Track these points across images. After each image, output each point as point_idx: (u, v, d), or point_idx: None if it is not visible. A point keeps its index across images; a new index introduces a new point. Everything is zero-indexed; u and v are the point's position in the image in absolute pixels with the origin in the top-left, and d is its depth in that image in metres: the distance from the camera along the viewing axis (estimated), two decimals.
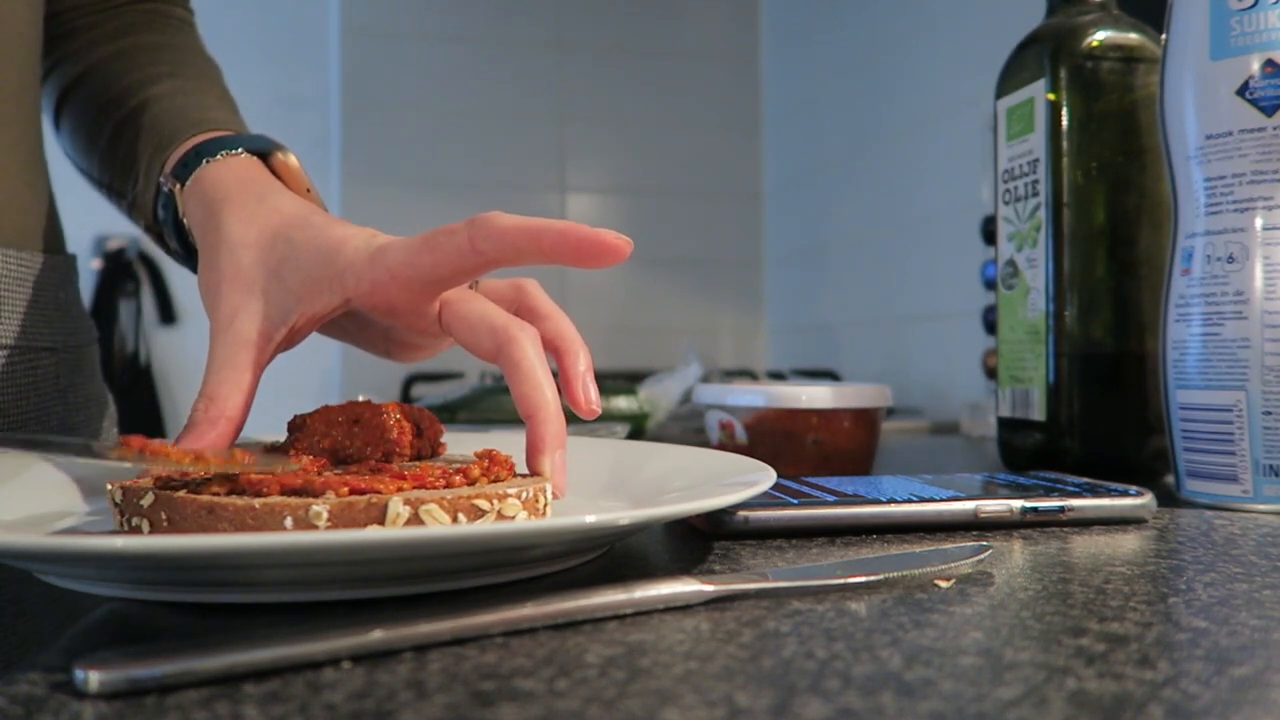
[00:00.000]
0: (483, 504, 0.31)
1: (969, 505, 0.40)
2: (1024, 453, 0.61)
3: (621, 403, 0.92)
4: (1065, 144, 0.58)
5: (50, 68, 0.60)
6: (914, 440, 0.96)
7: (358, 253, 0.37)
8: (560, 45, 2.01)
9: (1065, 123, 0.58)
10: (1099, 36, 0.58)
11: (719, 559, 0.35)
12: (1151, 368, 0.57)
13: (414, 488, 0.32)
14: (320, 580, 0.27)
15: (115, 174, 0.54)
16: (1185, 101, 0.48)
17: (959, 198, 1.36)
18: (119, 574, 0.28)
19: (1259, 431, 0.45)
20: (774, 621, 0.26)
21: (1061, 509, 0.41)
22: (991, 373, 1.10)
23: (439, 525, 0.29)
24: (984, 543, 0.36)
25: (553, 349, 0.40)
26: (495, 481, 0.34)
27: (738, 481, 0.36)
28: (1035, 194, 0.59)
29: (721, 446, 0.60)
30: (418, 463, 0.39)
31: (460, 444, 0.47)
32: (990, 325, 1.11)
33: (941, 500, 0.40)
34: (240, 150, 0.45)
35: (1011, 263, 0.62)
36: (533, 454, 0.36)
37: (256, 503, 0.29)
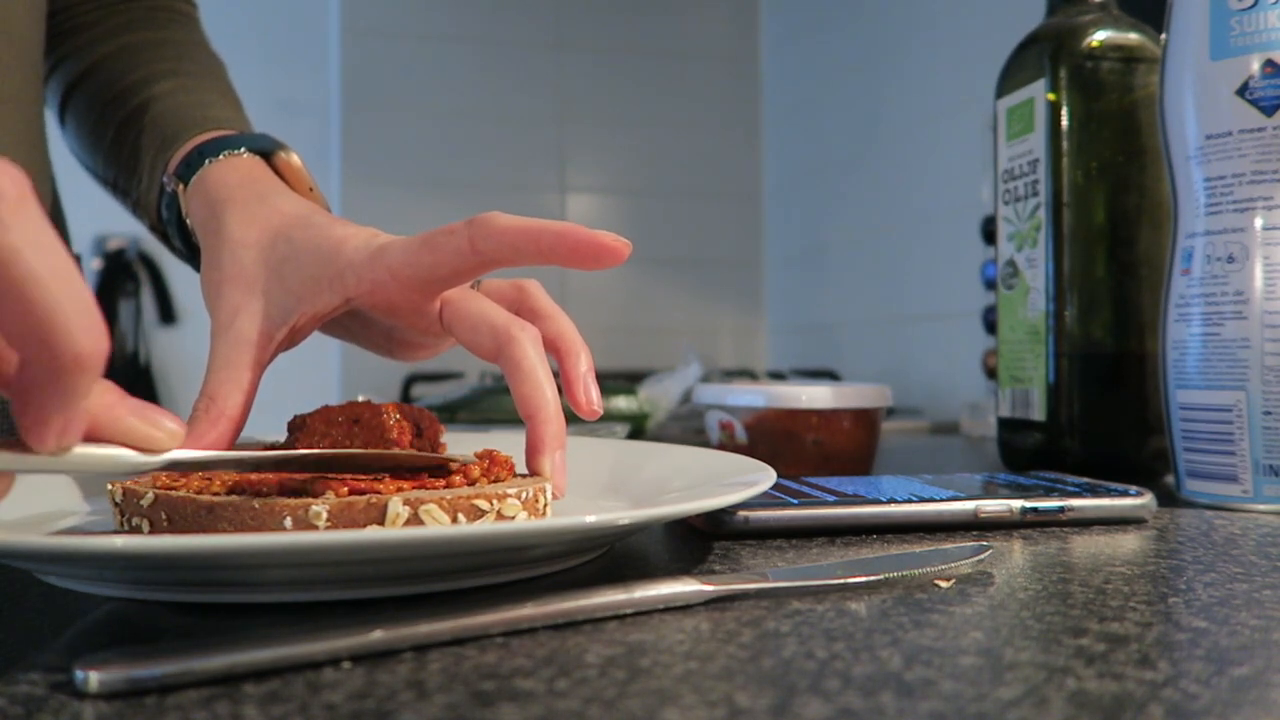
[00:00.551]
0: (482, 504, 0.31)
1: (969, 505, 0.40)
2: (1024, 453, 0.61)
3: (621, 403, 0.92)
4: (1065, 144, 0.58)
5: (54, 65, 0.60)
6: (914, 440, 0.96)
7: (358, 252, 0.38)
8: (560, 45, 2.01)
9: (1065, 123, 0.58)
10: (1099, 36, 0.58)
11: (719, 559, 0.35)
12: (1151, 368, 0.57)
13: (414, 488, 0.32)
14: (320, 580, 0.27)
15: (119, 172, 0.54)
16: (1185, 101, 0.48)
17: (959, 198, 1.36)
18: (119, 574, 0.28)
19: (1259, 431, 0.45)
20: (774, 621, 0.26)
21: (1061, 509, 0.41)
22: (991, 373, 1.10)
23: (439, 525, 0.29)
24: (984, 543, 0.36)
25: (554, 350, 0.40)
26: (495, 482, 0.34)
27: (738, 481, 0.36)
28: (1035, 194, 0.59)
29: (721, 446, 0.60)
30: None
31: (460, 444, 0.47)
32: (990, 325, 1.11)
33: (941, 500, 0.40)
34: (243, 150, 0.45)
35: (1011, 263, 0.62)
36: (532, 454, 0.36)
37: (256, 503, 0.29)
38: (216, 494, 0.31)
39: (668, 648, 0.24)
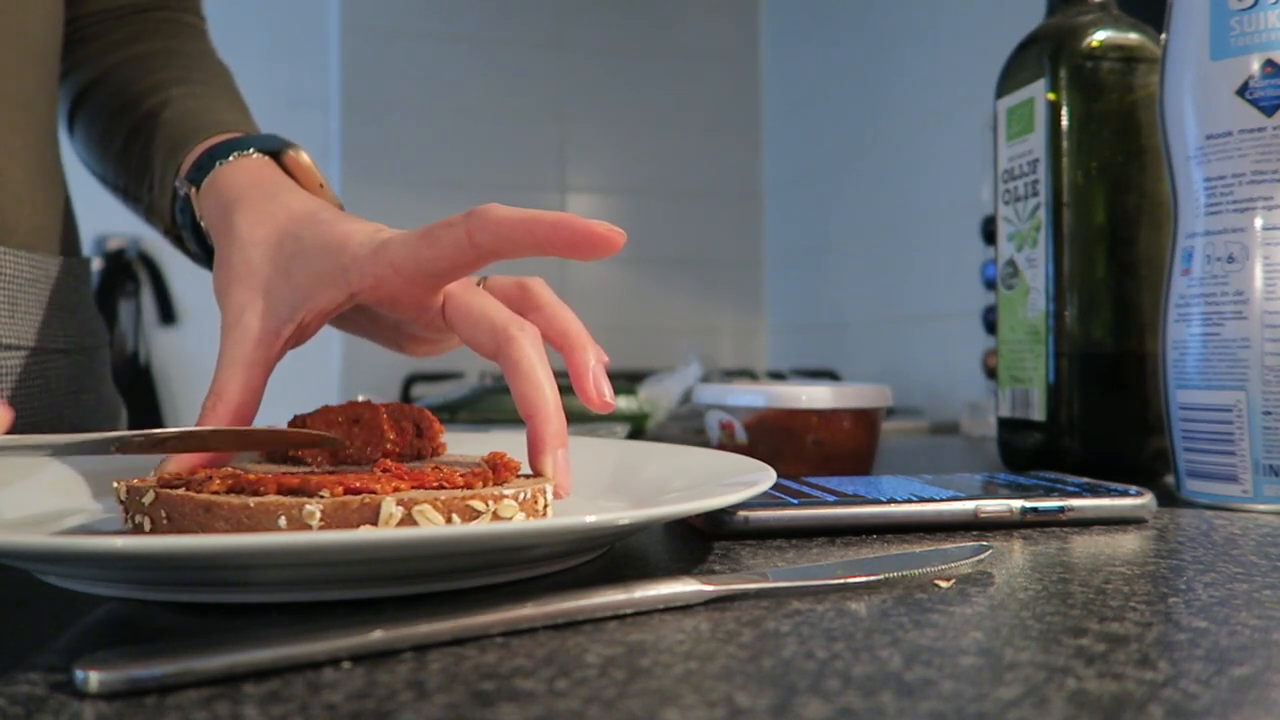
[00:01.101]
0: (478, 505, 0.31)
1: (969, 505, 0.40)
2: (1024, 453, 0.61)
3: (621, 403, 0.92)
4: (1065, 144, 0.58)
5: (63, 73, 0.61)
6: (914, 440, 0.96)
7: (361, 248, 0.38)
8: (560, 45, 2.01)
9: (1065, 123, 0.58)
10: (1099, 36, 0.58)
11: (719, 559, 0.35)
12: (1151, 368, 0.57)
13: (412, 488, 0.31)
14: (320, 580, 0.27)
15: (130, 179, 0.54)
16: (1185, 101, 0.48)
17: (959, 198, 1.36)
18: (119, 574, 0.28)
19: (1259, 431, 0.45)
20: (774, 621, 0.26)
21: (1061, 509, 0.41)
22: (991, 373, 1.10)
23: (433, 526, 0.29)
24: (984, 543, 0.36)
25: (561, 346, 0.40)
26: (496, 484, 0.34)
27: (738, 481, 0.36)
28: (1035, 194, 0.59)
29: (721, 446, 0.60)
30: (420, 462, 0.39)
31: (460, 444, 0.47)
32: (990, 325, 1.11)
33: (941, 500, 0.40)
34: (252, 150, 0.46)
35: (1011, 263, 0.62)
36: (534, 453, 0.36)
37: (251, 501, 0.29)
38: (216, 492, 0.31)
39: (668, 648, 0.24)
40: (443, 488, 0.32)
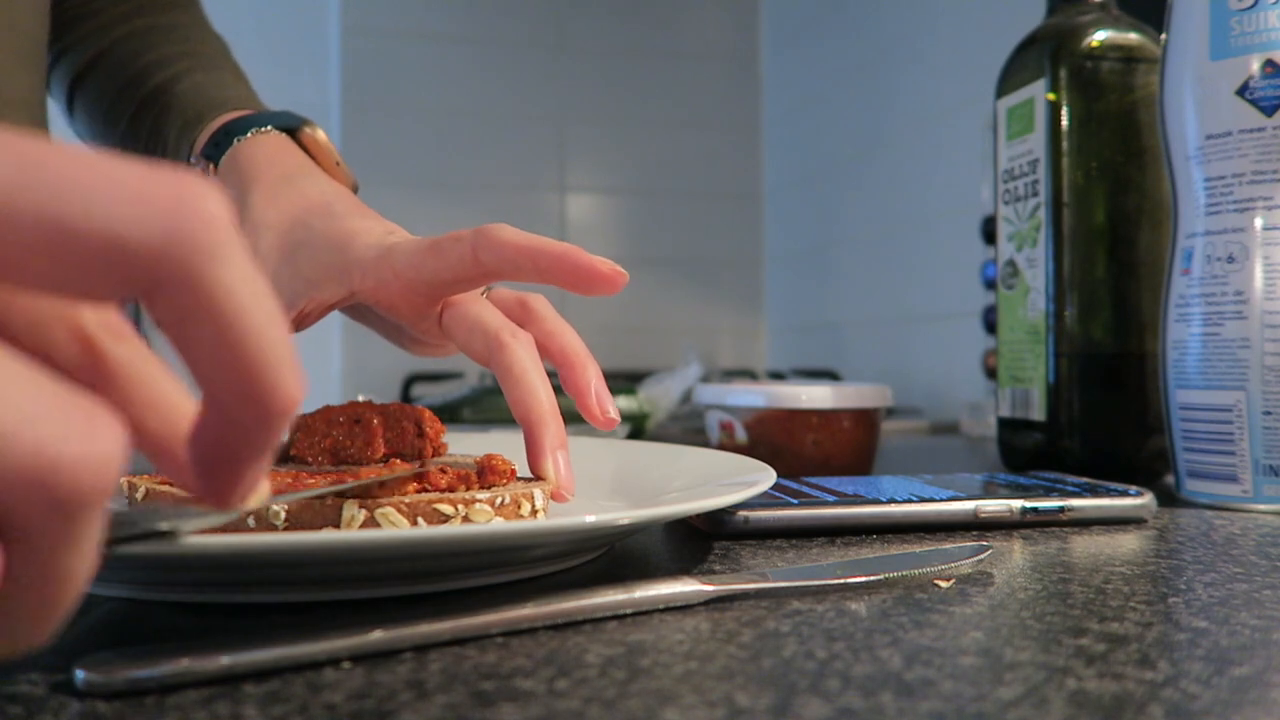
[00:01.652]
0: (446, 509, 0.30)
1: (969, 505, 0.40)
2: (1024, 453, 0.61)
3: (621, 403, 0.92)
4: (1065, 144, 0.58)
5: (59, 53, 0.60)
6: (914, 440, 0.96)
7: (368, 249, 0.38)
8: (560, 45, 2.01)
9: (1065, 123, 0.58)
10: (1099, 36, 0.58)
11: (719, 559, 0.35)
12: (1151, 368, 0.57)
13: (418, 489, 0.31)
14: (320, 580, 0.27)
15: (139, 154, 0.54)
16: (1185, 101, 0.48)
17: (959, 198, 1.36)
18: (119, 574, 0.28)
19: (1259, 431, 0.45)
20: (774, 621, 0.26)
21: (1061, 509, 0.41)
22: (991, 373, 1.10)
23: (395, 529, 0.28)
24: (984, 543, 0.36)
25: (561, 363, 0.39)
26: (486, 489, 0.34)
27: (738, 481, 0.35)
28: (1035, 194, 0.59)
29: (721, 446, 0.60)
30: (422, 462, 0.39)
31: (460, 444, 0.47)
32: (990, 325, 1.11)
33: (941, 500, 0.40)
34: (269, 128, 0.46)
35: (1011, 263, 0.62)
36: (534, 458, 0.36)
37: None
38: None
39: (668, 648, 0.24)
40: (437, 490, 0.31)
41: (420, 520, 0.29)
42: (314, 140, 0.47)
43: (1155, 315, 0.57)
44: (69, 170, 0.16)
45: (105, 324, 0.21)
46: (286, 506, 0.29)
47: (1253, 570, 0.32)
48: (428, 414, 0.42)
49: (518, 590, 0.29)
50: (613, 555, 0.35)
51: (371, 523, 0.29)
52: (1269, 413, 0.45)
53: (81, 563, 0.17)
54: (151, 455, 0.21)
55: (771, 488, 0.43)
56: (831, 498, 0.41)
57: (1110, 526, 0.41)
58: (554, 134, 2.00)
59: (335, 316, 0.43)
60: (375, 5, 1.92)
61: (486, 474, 0.34)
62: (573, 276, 0.36)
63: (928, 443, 0.92)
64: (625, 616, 0.26)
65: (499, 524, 0.27)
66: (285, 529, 0.28)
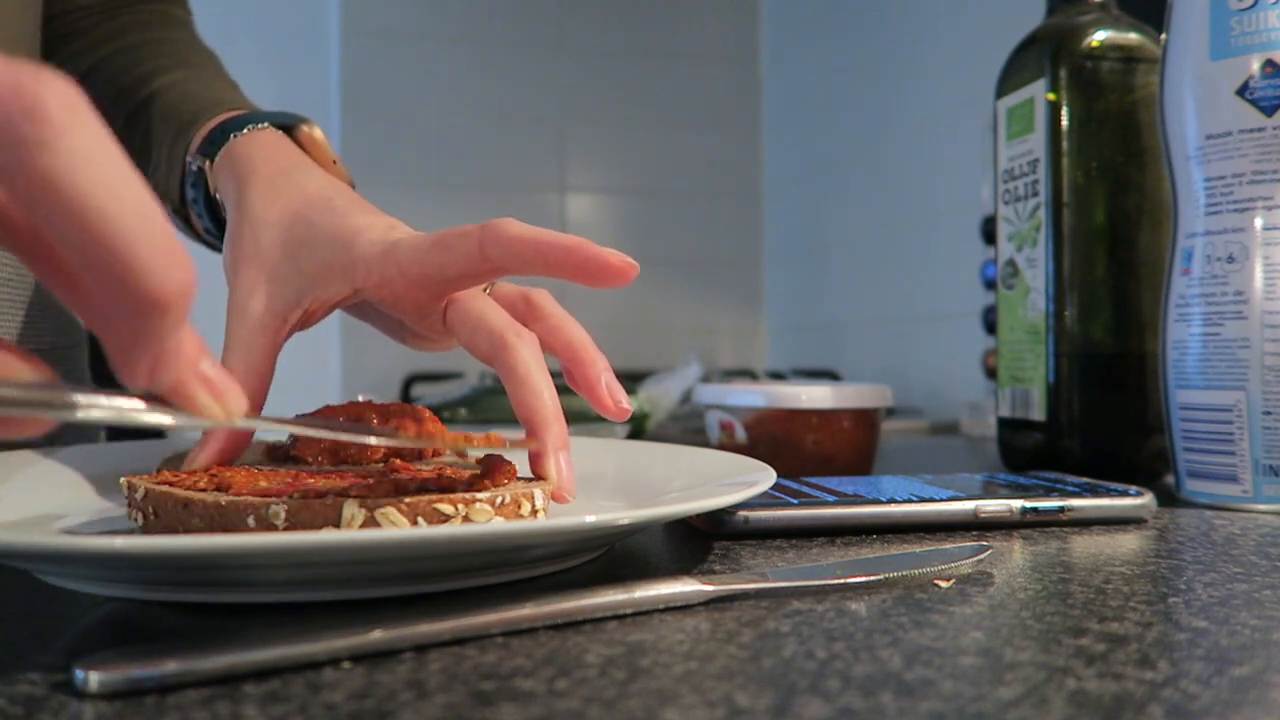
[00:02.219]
0: (446, 509, 0.30)
1: (969, 505, 0.40)
2: (1024, 453, 0.61)
3: None
4: (1065, 144, 0.58)
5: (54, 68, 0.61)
6: (914, 440, 0.96)
7: (372, 246, 0.38)
8: (560, 46, 2.01)
9: (1065, 123, 0.58)
10: (1099, 36, 0.58)
11: (719, 559, 0.35)
12: (1151, 368, 0.57)
13: (419, 489, 0.31)
14: (320, 580, 0.27)
15: (130, 160, 0.54)
16: (1185, 101, 0.48)
17: (959, 198, 1.36)
18: (119, 574, 0.28)
19: (1259, 431, 0.45)
20: (774, 621, 0.26)
21: (1061, 509, 0.41)
22: (991, 373, 1.10)
23: (395, 529, 0.28)
24: (984, 543, 0.36)
25: (568, 358, 0.39)
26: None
27: (738, 481, 0.35)
28: (1035, 194, 0.59)
29: (721, 446, 0.60)
30: (422, 462, 0.39)
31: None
32: (990, 325, 1.11)
33: (941, 500, 0.40)
34: (266, 125, 0.45)
35: (1011, 263, 0.62)
36: (535, 459, 0.36)
37: (223, 499, 0.29)
38: (203, 489, 0.31)
39: (668, 648, 0.24)
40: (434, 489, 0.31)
41: (420, 520, 0.29)
42: (310, 138, 0.46)
43: (1155, 315, 0.57)
44: None
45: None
46: (287, 507, 0.29)
47: (1253, 570, 0.32)
48: (428, 414, 0.42)
49: (518, 590, 0.29)
50: (613, 555, 0.35)
51: (371, 523, 0.29)
52: (1269, 413, 0.45)
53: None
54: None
55: (771, 488, 0.43)
56: (831, 498, 0.41)
57: (1110, 526, 0.41)
58: (554, 134, 2.00)
59: (335, 316, 0.43)
60: (375, 5, 1.92)
61: (495, 474, 0.33)
62: (583, 270, 0.35)
63: (928, 443, 0.92)
64: (625, 616, 0.26)
65: (499, 524, 0.27)
66: (285, 529, 0.28)
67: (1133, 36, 0.58)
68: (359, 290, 0.38)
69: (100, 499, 0.40)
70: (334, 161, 0.47)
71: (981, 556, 0.31)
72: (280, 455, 0.40)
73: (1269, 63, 0.45)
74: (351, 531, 0.27)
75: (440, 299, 0.39)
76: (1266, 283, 0.45)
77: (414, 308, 0.39)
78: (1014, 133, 0.62)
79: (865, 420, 0.58)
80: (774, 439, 0.58)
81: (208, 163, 0.45)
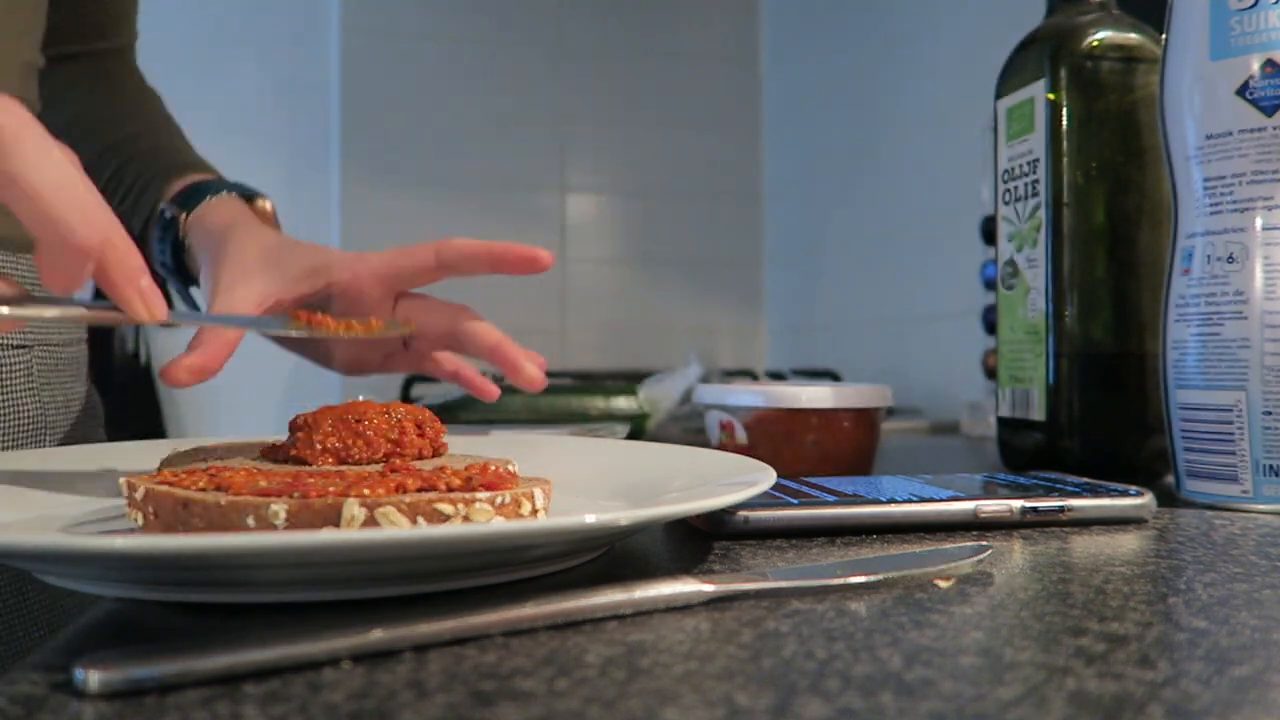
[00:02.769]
0: (446, 508, 0.30)
1: (969, 505, 0.40)
2: (1024, 453, 0.61)
3: (621, 403, 0.92)
4: (1065, 144, 0.58)
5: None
6: (914, 440, 0.96)
7: (344, 254, 0.49)
8: (560, 46, 2.01)
9: (1065, 123, 0.58)
10: (1099, 36, 0.58)
11: (719, 559, 0.35)
12: (1151, 368, 0.57)
13: (419, 489, 0.31)
14: (320, 580, 0.27)
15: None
16: (1185, 101, 0.48)
17: (959, 198, 1.36)
18: (119, 574, 0.28)
19: (1259, 431, 0.45)
20: (774, 621, 0.26)
21: (1061, 509, 0.41)
22: (991, 373, 1.10)
23: (395, 529, 0.28)
24: (984, 543, 0.36)
25: (489, 346, 0.49)
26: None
27: (738, 481, 0.35)
28: (1035, 194, 0.59)
29: (721, 446, 0.60)
30: (423, 462, 0.39)
31: (460, 444, 0.47)
32: (990, 325, 1.11)
33: (941, 500, 0.40)
34: (233, 193, 0.57)
35: (1011, 263, 0.62)
36: (513, 371, 0.47)
37: (223, 499, 0.29)
38: (203, 489, 0.31)
39: (668, 648, 0.24)
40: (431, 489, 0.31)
41: (420, 520, 0.29)
42: (264, 210, 0.58)
43: (1155, 315, 0.57)
44: None
45: None
46: (287, 507, 0.29)
47: (1253, 570, 0.32)
48: (428, 414, 0.42)
49: (518, 590, 0.29)
50: (613, 555, 0.35)
51: (371, 522, 0.29)
52: (1269, 413, 0.45)
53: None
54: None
55: (771, 488, 0.43)
56: (831, 498, 0.41)
57: (1110, 526, 0.41)
58: (554, 134, 2.00)
59: None
60: (375, 5, 1.92)
61: (494, 485, 0.33)
62: (510, 262, 0.47)
63: (928, 443, 0.92)
64: (625, 616, 0.26)
65: (499, 524, 0.27)
66: (285, 529, 0.28)
67: (1133, 36, 0.58)
68: (331, 285, 0.48)
69: (100, 499, 0.40)
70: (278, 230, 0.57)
71: (981, 556, 0.31)
72: (280, 455, 0.40)
73: (1269, 63, 0.45)
74: (351, 531, 0.27)
75: (393, 296, 0.49)
76: (1266, 283, 0.45)
77: (371, 303, 0.49)
78: (1014, 133, 0.62)
79: (865, 420, 0.58)
80: (774, 439, 0.58)
81: (184, 214, 0.56)
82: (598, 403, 0.91)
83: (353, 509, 0.28)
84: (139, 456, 0.44)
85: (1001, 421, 0.64)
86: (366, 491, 0.30)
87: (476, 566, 0.29)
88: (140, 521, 0.32)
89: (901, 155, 1.56)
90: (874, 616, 0.26)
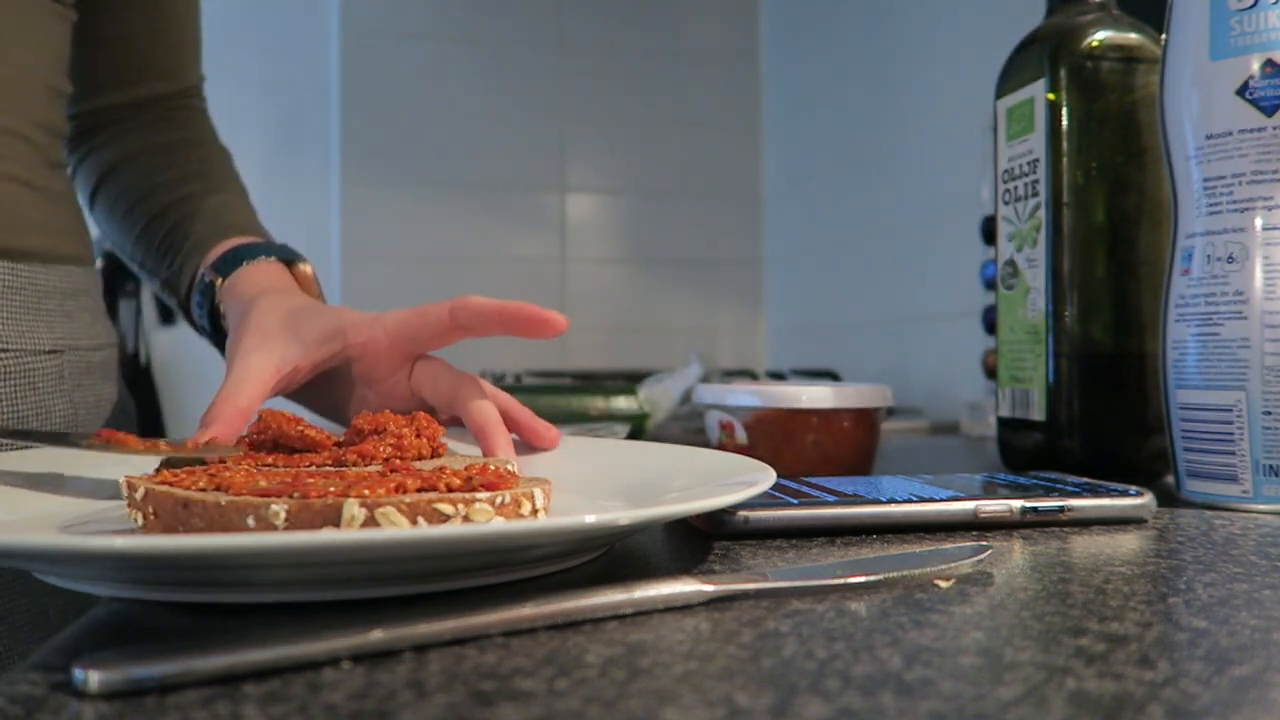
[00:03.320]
0: (446, 508, 0.30)
1: (969, 505, 0.40)
2: (1024, 453, 0.61)
3: (621, 403, 0.92)
4: (1065, 144, 0.58)
5: (86, 154, 0.70)
6: (914, 440, 0.96)
7: (362, 316, 0.48)
8: (560, 45, 2.01)
9: (1065, 123, 0.58)
10: (1099, 36, 0.58)
11: (719, 559, 0.35)
12: (1151, 368, 0.57)
13: (419, 489, 0.31)
14: (320, 580, 0.27)
15: (147, 257, 0.65)
16: (1185, 101, 0.48)
17: (959, 198, 1.36)
18: (119, 574, 0.28)
19: (1259, 431, 0.45)
20: (774, 621, 0.26)
21: (1061, 509, 0.41)
22: (991, 373, 1.10)
23: (395, 529, 0.28)
24: (984, 543, 0.36)
25: (502, 405, 0.48)
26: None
27: (738, 481, 0.35)
28: (1035, 194, 0.59)
29: (721, 446, 0.60)
30: (426, 462, 0.39)
31: (459, 445, 0.47)
32: (990, 325, 1.11)
33: (941, 500, 0.40)
34: (272, 257, 0.57)
35: (1011, 263, 0.62)
36: (491, 450, 0.45)
37: (223, 499, 0.29)
38: (203, 489, 0.31)
39: (668, 648, 0.24)
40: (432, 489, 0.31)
41: (420, 520, 0.29)
42: (303, 273, 0.58)
43: (1155, 315, 0.57)
44: None
45: None
46: (287, 507, 0.29)
47: (1253, 570, 0.32)
48: (425, 416, 0.42)
49: (518, 590, 0.29)
50: (613, 555, 0.35)
51: (371, 522, 0.29)
52: (1269, 413, 0.45)
53: None
54: None
55: (771, 488, 0.43)
56: (831, 498, 0.41)
57: (1110, 526, 0.41)
58: (554, 134, 2.00)
59: None
60: (375, 5, 1.92)
61: (494, 485, 0.33)
62: (527, 325, 0.45)
63: (928, 443, 0.92)
64: (625, 616, 0.26)
65: (499, 524, 0.27)
66: (285, 529, 0.28)
67: (1133, 36, 0.58)
68: (347, 347, 0.48)
69: (100, 499, 0.40)
70: (318, 295, 0.58)
71: (981, 556, 0.31)
72: (264, 445, 0.41)
73: (1269, 63, 0.45)
74: (351, 531, 0.27)
75: (410, 359, 0.49)
76: (1266, 283, 0.45)
77: (387, 367, 0.49)
78: (1014, 133, 0.62)
79: (865, 420, 0.58)
80: (774, 439, 0.58)
81: (220, 279, 0.57)
82: (598, 403, 0.91)
83: (353, 509, 0.28)
84: (139, 457, 0.44)
85: (1001, 421, 0.64)
86: (366, 492, 0.30)
87: (476, 566, 0.29)
88: (140, 521, 0.32)
89: (901, 155, 1.56)
90: (874, 616, 0.26)
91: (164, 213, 0.64)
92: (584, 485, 0.42)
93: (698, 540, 0.38)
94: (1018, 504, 0.41)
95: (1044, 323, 0.59)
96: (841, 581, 0.29)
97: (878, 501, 0.40)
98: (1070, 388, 0.58)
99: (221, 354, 0.56)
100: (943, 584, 0.30)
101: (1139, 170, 0.58)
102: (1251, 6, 0.45)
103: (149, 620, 0.26)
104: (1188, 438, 0.48)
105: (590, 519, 0.26)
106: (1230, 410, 0.46)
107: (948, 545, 0.35)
